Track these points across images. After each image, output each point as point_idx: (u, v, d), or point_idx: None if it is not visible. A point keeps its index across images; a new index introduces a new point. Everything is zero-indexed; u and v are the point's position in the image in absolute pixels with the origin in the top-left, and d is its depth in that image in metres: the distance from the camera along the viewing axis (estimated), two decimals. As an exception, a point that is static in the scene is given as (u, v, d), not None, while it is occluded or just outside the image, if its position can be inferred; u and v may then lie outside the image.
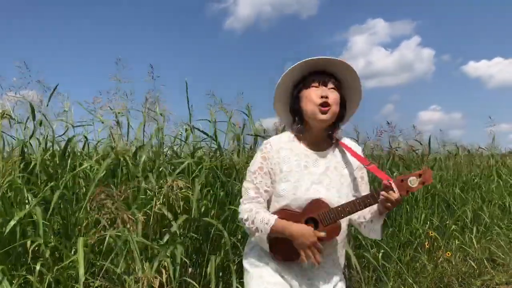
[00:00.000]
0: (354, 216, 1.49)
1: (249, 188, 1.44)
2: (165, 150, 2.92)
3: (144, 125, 2.79)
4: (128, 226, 2.08)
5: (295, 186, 1.40)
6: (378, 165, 4.14)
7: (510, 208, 5.06)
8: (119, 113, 2.77)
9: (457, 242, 4.05)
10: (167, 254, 2.20)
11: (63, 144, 2.63)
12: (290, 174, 1.41)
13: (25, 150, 2.47)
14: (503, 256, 4.33)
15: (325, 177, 1.43)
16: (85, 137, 2.79)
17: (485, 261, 4.12)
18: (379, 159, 4.25)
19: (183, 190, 2.27)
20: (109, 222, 2.02)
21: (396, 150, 4.39)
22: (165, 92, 2.92)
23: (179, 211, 2.37)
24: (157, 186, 2.39)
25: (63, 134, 2.80)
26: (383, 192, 1.33)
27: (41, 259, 2.03)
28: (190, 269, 2.44)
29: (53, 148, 2.64)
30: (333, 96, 1.43)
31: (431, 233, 3.90)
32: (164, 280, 2.21)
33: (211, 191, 2.70)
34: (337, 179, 1.45)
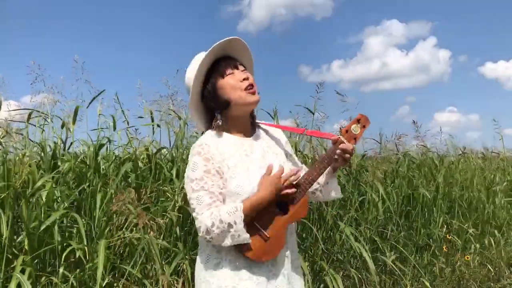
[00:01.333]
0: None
1: (202, 196, 1.26)
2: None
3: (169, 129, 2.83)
4: (148, 230, 2.12)
5: (248, 177, 1.31)
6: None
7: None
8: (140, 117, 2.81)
9: (475, 245, 3.99)
10: (185, 256, 2.23)
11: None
12: (237, 167, 1.32)
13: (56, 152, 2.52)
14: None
15: (266, 159, 1.38)
16: (108, 139, 2.80)
17: (504, 266, 4.06)
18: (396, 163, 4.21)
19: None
20: (131, 225, 2.07)
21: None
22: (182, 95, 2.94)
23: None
24: (177, 188, 2.42)
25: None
26: (341, 146, 1.33)
27: (66, 261, 2.08)
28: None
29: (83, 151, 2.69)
30: (250, 76, 1.38)
31: (449, 236, 3.86)
32: (181, 282, 2.23)
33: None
34: (275, 159, 1.40)
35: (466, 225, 4.04)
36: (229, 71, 1.36)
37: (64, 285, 2.01)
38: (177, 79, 2.91)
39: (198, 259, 1.40)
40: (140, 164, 2.79)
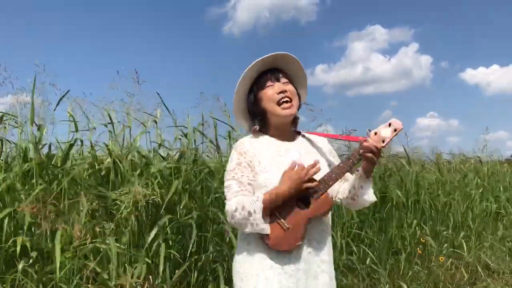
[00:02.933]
0: (341, 196, 1.50)
1: (231, 184, 1.40)
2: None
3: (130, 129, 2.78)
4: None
5: (277, 173, 1.38)
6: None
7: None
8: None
9: (447, 246, 4.01)
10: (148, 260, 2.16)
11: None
12: (269, 164, 1.41)
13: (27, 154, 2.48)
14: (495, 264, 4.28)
15: (302, 161, 1.41)
16: (81, 140, 2.81)
17: (480, 269, 4.07)
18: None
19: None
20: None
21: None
22: (163, 96, 2.96)
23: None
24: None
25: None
26: (364, 144, 1.36)
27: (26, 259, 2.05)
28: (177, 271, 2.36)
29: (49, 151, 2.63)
30: (290, 89, 1.46)
31: (423, 239, 3.86)
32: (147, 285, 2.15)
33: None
34: (311, 162, 1.43)
35: (440, 227, 4.07)
36: (269, 83, 1.46)
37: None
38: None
39: (235, 253, 1.50)
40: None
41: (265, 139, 1.49)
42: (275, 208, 1.35)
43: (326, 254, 1.44)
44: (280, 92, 1.43)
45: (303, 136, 1.57)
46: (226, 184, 1.42)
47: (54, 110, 2.69)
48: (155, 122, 2.95)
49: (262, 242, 1.36)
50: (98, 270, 2.09)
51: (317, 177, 1.39)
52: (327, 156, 1.54)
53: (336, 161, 1.55)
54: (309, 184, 1.35)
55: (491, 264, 4.22)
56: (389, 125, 1.39)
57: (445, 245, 4.08)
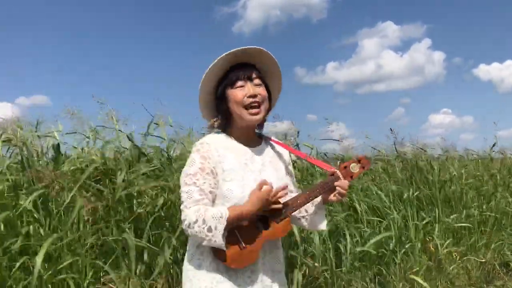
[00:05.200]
0: (294, 213, 1.44)
1: (192, 191, 1.30)
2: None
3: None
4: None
5: (241, 185, 1.33)
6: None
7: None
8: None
9: (464, 243, 3.98)
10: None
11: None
12: (233, 172, 1.34)
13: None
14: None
15: (264, 173, 1.39)
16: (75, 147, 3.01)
17: (497, 267, 4.02)
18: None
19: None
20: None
21: (405, 154, 4.45)
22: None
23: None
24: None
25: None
26: (337, 183, 1.36)
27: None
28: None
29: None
30: (261, 93, 1.37)
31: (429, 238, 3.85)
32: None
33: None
34: (274, 173, 1.42)
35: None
36: (240, 83, 1.35)
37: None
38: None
39: (185, 256, 1.43)
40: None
41: (230, 143, 1.40)
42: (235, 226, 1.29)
43: (279, 263, 1.45)
44: (250, 96, 1.34)
45: (266, 140, 1.51)
46: (185, 188, 1.32)
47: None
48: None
49: (215, 256, 1.31)
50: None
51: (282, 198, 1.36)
52: (287, 167, 1.51)
53: (292, 175, 1.54)
54: (276, 206, 1.32)
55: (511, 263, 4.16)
56: (359, 161, 1.43)
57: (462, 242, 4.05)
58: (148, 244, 2.50)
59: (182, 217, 1.29)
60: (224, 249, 1.26)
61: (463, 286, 3.62)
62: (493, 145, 5.67)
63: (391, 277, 3.35)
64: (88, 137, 3.16)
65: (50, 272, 2.15)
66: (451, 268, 3.64)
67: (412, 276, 3.30)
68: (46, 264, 2.19)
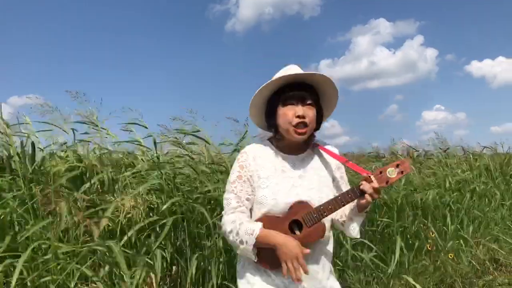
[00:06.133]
0: (336, 216, 1.49)
1: (231, 198, 1.43)
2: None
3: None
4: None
5: (274, 191, 1.40)
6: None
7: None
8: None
9: (456, 242, 4.00)
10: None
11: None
12: (268, 179, 1.42)
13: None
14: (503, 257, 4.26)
15: (304, 180, 1.44)
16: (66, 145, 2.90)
17: (487, 262, 4.06)
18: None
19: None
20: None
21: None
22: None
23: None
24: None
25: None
26: (364, 183, 1.34)
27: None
28: (174, 268, 2.41)
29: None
30: (310, 115, 1.40)
31: (432, 233, 3.84)
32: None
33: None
34: (316, 180, 1.45)
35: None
36: (292, 101, 1.40)
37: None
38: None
39: (238, 261, 1.54)
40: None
41: (269, 151, 1.48)
42: (269, 228, 1.35)
43: (327, 270, 1.46)
44: (298, 117, 1.38)
45: (314, 147, 1.53)
46: (225, 196, 1.46)
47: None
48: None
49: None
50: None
51: (315, 198, 1.40)
52: (333, 172, 1.52)
53: (342, 177, 1.54)
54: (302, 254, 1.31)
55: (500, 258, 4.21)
56: (397, 166, 1.37)
57: (454, 240, 4.06)
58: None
59: (221, 222, 1.44)
60: (255, 260, 1.36)
61: (454, 281, 3.65)
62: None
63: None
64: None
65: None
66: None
67: (404, 276, 3.31)
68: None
